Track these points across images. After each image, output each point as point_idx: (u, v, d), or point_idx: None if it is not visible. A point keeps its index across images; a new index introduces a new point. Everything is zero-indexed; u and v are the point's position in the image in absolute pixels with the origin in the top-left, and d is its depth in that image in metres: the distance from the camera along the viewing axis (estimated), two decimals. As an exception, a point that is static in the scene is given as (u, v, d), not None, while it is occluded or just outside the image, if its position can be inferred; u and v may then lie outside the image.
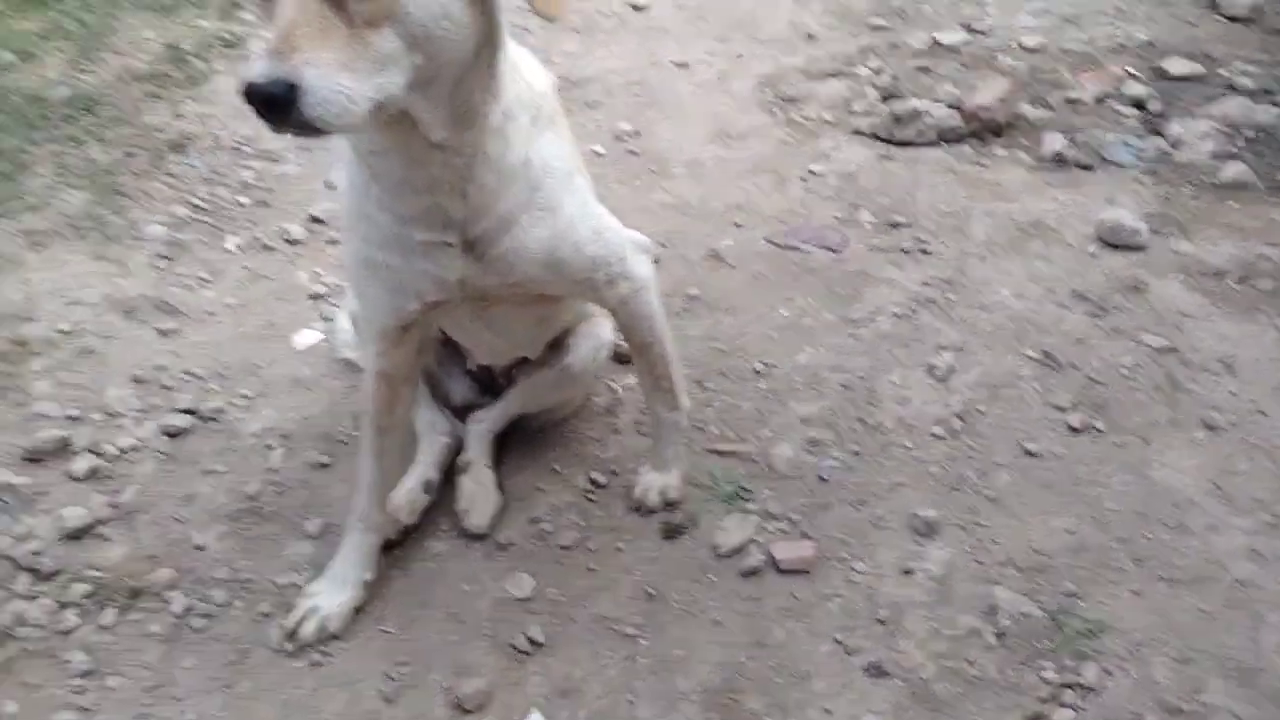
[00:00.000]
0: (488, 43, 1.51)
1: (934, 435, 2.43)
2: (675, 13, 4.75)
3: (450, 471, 2.38)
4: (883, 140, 3.68)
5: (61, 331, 2.79)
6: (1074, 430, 2.43)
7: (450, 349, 2.40)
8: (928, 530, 2.18)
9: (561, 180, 1.74)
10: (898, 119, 3.69)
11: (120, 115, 3.63)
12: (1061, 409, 2.48)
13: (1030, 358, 2.64)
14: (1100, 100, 3.76)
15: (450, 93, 1.49)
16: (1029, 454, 2.37)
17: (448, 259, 1.69)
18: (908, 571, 2.11)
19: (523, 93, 1.65)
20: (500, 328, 2.04)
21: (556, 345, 2.34)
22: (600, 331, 2.35)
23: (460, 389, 2.48)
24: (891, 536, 2.19)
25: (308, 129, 1.28)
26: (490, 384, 2.47)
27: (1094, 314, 2.76)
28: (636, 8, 4.76)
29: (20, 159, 3.37)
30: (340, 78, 1.27)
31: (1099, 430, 2.43)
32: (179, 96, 3.79)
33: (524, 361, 2.37)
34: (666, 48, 4.41)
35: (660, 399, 2.22)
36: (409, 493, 2.28)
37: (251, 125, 3.66)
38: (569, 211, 1.76)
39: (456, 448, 2.41)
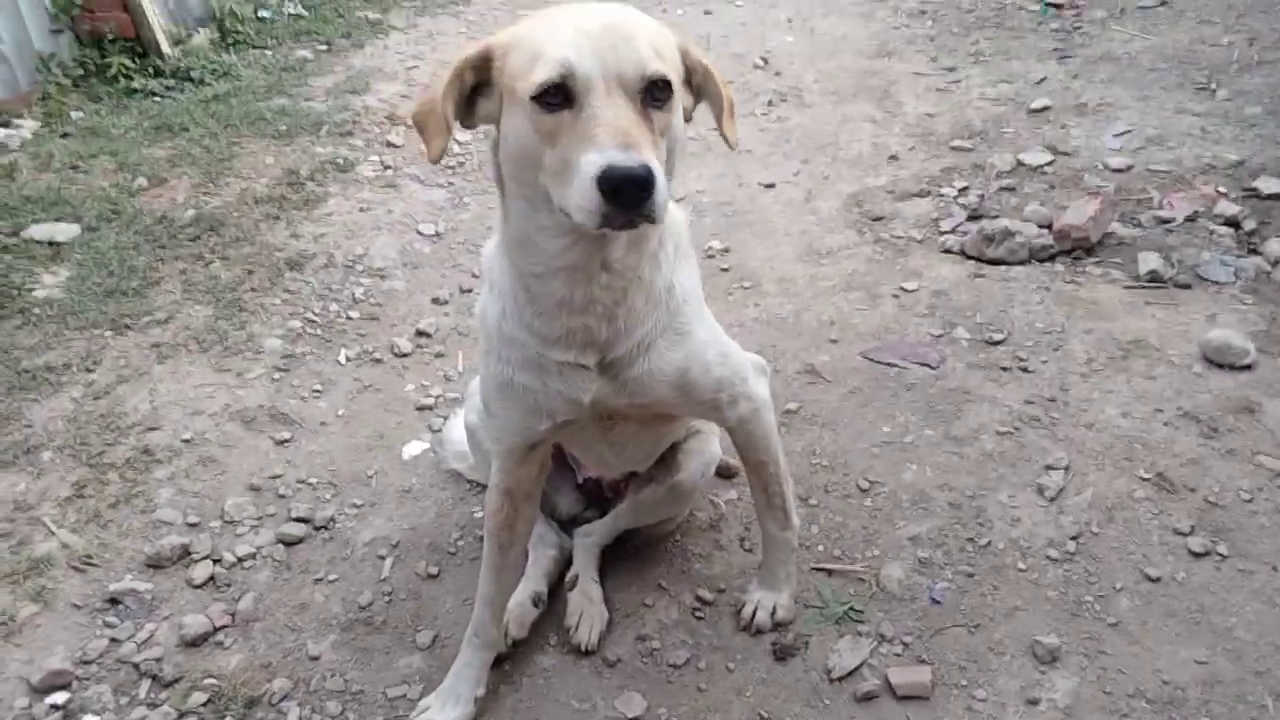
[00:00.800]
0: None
1: (1049, 558, 2.38)
2: (759, 136, 4.93)
3: (558, 586, 2.40)
4: (973, 259, 3.73)
5: (184, 441, 2.92)
6: (1195, 555, 2.35)
7: (559, 463, 2.44)
8: (1049, 657, 2.12)
9: (695, 306, 1.83)
10: (989, 238, 3.73)
11: (241, 235, 3.86)
12: (1181, 533, 2.41)
13: (1143, 478, 2.59)
14: (1192, 219, 3.76)
15: None
16: (1149, 579, 2.30)
17: (584, 380, 1.76)
18: (1032, 701, 2.04)
19: (671, 223, 1.75)
20: (620, 446, 2.09)
21: (665, 460, 2.37)
22: (709, 448, 2.39)
23: (568, 503, 2.52)
24: (1011, 663, 2.13)
25: (644, 220, 1.42)
26: (598, 498, 2.50)
27: (1206, 435, 2.71)
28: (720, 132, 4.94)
29: (150, 276, 3.59)
30: (662, 175, 1.43)
31: (1222, 555, 2.35)
32: (296, 217, 4.02)
33: (633, 476, 2.41)
34: (752, 170, 4.57)
35: (772, 517, 2.23)
36: (518, 606, 2.30)
37: (362, 244, 3.87)
38: (700, 335, 1.83)
39: (564, 561, 2.44)
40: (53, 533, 2.58)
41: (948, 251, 3.79)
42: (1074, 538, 2.43)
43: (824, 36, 6.46)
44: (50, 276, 3.52)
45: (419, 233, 4.04)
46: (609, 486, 2.48)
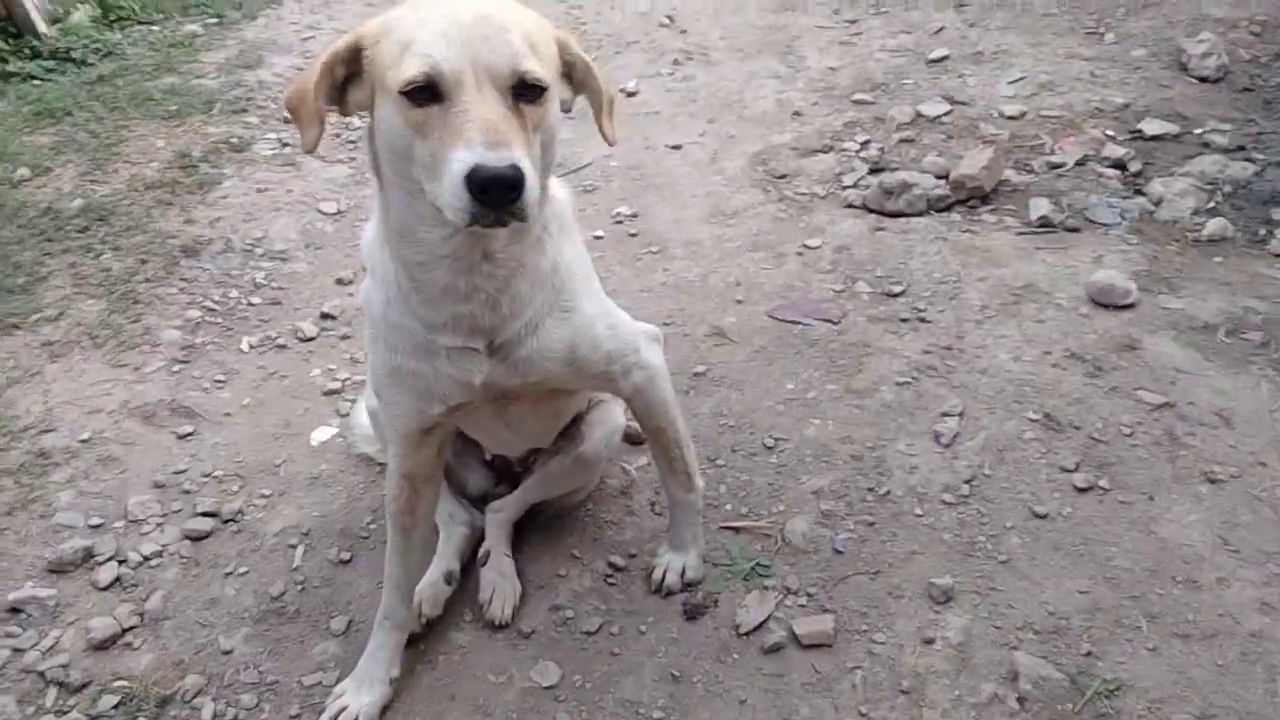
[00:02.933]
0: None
1: (944, 502, 2.48)
2: (665, 96, 4.92)
3: (471, 562, 2.42)
4: (874, 212, 3.79)
5: (82, 441, 2.85)
6: (1080, 490, 2.47)
7: (466, 441, 2.45)
8: (944, 598, 2.21)
9: (581, 282, 1.83)
10: (888, 191, 3.80)
11: (133, 223, 3.75)
12: (1067, 470, 2.53)
13: (1032, 420, 2.70)
14: (1082, 163, 3.88)
15: None
16: (1037, 516, 2.41)
17: (473, 363, 1.76)
18: (928, 641, 2.13)
19: (553, 202, 1.76)
20: (517, 423, 2.10)
21: (570, 432, 2.39)
22: (612, 417, 2.42)
23: (477, 479, 2.53)
24: (909, 606, 2.22)
25: (514, 219, 1.42)
26: (507, 473, 2.52)
27: (1091, 374, 2.83)
28: (628, 94, 4.93)
29: (37, 271, 3.47)
30: (533, 173, 1.42)
31: (1104, 489, 2.47)
32: (190, 202, 3.92)
33: (537, 450, 2.43)
34: (659, 131, 4.57)
35: (675, 481, 2.27)
36: (431, 585, 2.32)
37: (261, 227, 3.79)
38: (587, 310, 1.84)
39: (476, 538, 2.45)
40: (-54, 544, 2.51)
41: (850, 206, 3.85)
42: (968, 481, 2.52)
43: (727, -8, 6.44)
44: (-72, 277, 3.39)
45: (320, 211, 3.96)
46: (517, 462, 2.49)
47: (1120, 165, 3.84)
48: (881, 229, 3.67)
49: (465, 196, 1.39)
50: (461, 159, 1.38)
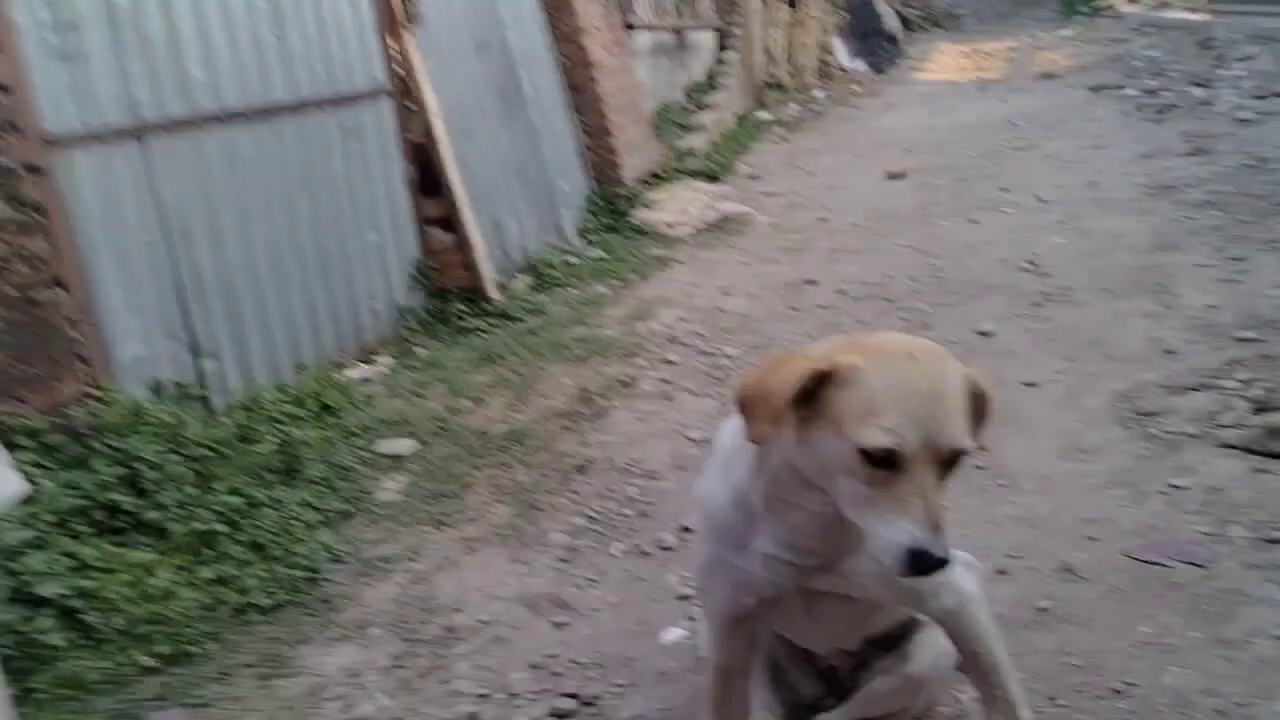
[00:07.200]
0: None
1: (1332, 774, 2.17)
2: (1022, 337, 4.98)
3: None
4: (1257, 454, 3.52)
5: (481, 621, 3.38)
6: None
7: (801, 648, 2.60)
8: None
9: None
10: (1274, 430, 3.53)
11: (541, 444, 4.48)
12: None
13: None
14: None
15: None
16: None
17: (789, 571, 1.99)
18: None
19: None
20: (823, 620, 2.22)
21: (898, 651, 2.46)
22: (942, 639, 2.45)
23: (809, 687, 2.64)
24: None
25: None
26: (837, 685, 2.61)
27: None
28: (983, 334, 5.06)
29: (466, 480, 4.26)
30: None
31: None
32: (585, 428, 4.61)
33: (866, 664, 2.50)
34: (1014, 369, 4.62)
35: (998, 711, 2.24)
36: None
37: (640, 450, 4.35)
38: None
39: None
40: (373, 696, 3.08)
41: (1226, 446, 3.60)
42: (1364, 754, 2.19)
43: (1098, 235, 6.45)
44: (391, 482, 4.28)
45: (688, 438, 4.46)
46: (846, 676, 2.58)
47: None
48: (1265, 471, 3.38)
49: (902, 563, 1.64)
50: (907, 532, 1.63)
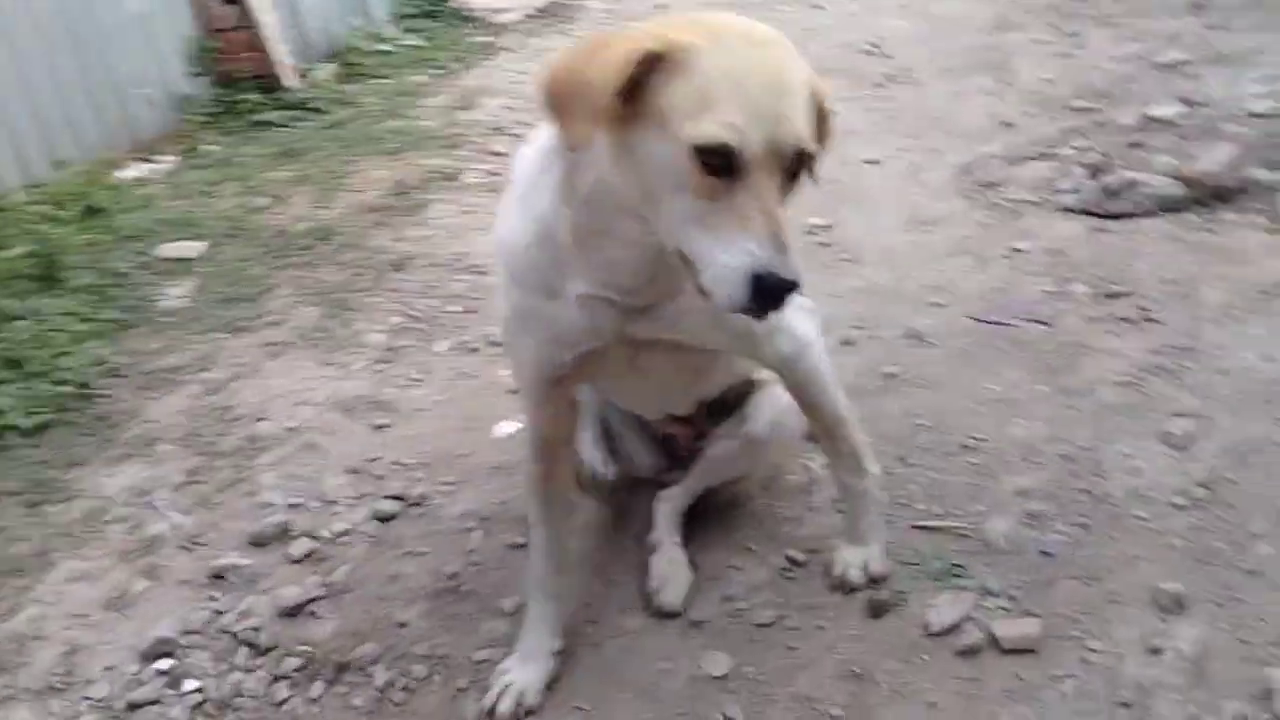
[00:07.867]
0: None
1: (1174, 505, 2.16)
2: (865, 115, 4.79)
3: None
4: (1094, 215, 3.48)
5: (289, 429, 3.02)
6: (1350, 499, 2.08)
7: (640, 420, 2.38)
8: (1175, 606, 1.90)
9: None
10: (1110, 192, 3.49)
11: (350, 242, 4.02)
12: (1332, 474, 2.15)
13: (1286, 422, 2.32)
14: (1347, 156, 3.40)
15: None
16: (1295, 525, 2.05)
17: (607, 312, 1.69)
18: (1154, 650, 1.83)
19: None
20: (649, 375, 1.95)
21: (736, 414, 2.27)
22: (781, 399, 2.26)
23: (646, 458, 2.45)
24: (1131, 613, 1.93)
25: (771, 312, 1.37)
26: (677, 457, 2.42)
27: (1365, 373, 2.42)
28: (825, 114, 4.83)
29: (264, 283, 3.78)
30: None
31: (1385, 498, 2.07)
32: (402, 223, 4.16)
33: (705, 434, 2.32)
34: (856, 147, 4.41)
35: (843, 466, 2.11)
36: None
37: (465, 244, 3.95)
38: None
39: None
40: (165, 515, 2.70)
41: (1065, 210, 3.55)
42: (1203, 485, 2.20)
43: (940, 19, 6.25)
44: (176, 288, 3.75)
45: (518, 229, 4.10)
46: (685, 446, 2.39)
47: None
48: (1103, 231, 3.36)
49: (744, 291, 1.33)
50: (748, 253, 1.33)
